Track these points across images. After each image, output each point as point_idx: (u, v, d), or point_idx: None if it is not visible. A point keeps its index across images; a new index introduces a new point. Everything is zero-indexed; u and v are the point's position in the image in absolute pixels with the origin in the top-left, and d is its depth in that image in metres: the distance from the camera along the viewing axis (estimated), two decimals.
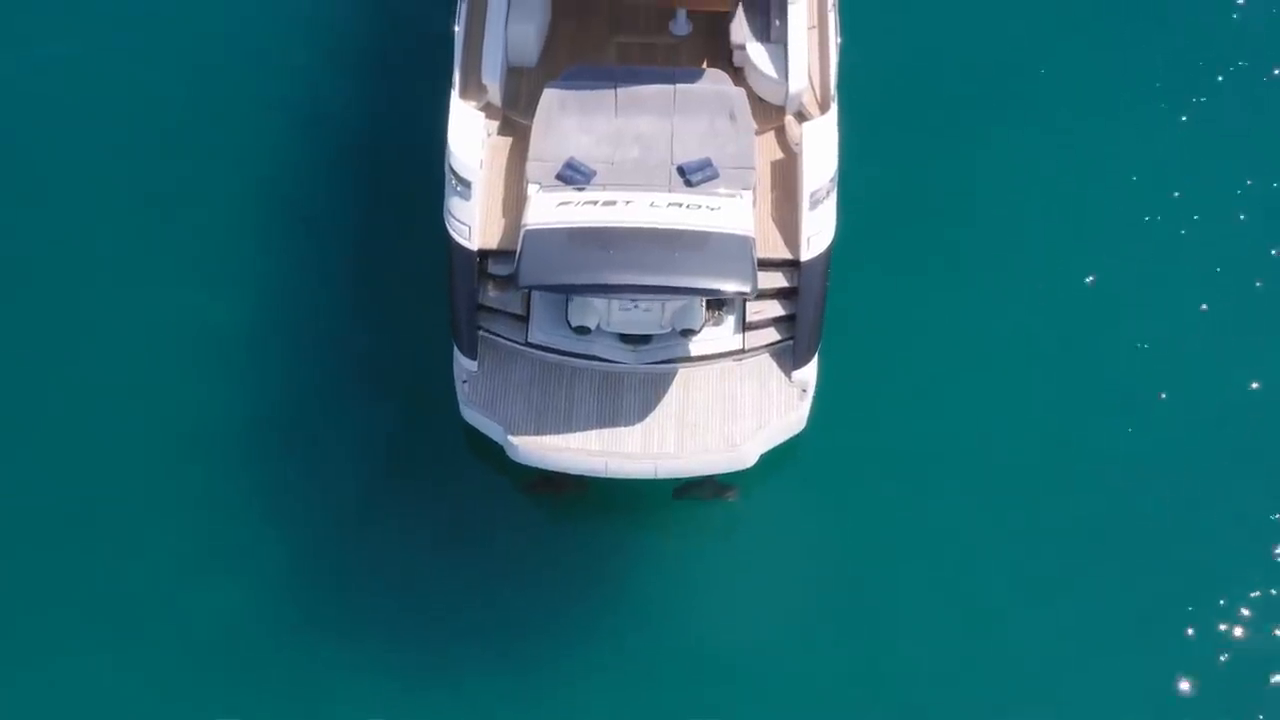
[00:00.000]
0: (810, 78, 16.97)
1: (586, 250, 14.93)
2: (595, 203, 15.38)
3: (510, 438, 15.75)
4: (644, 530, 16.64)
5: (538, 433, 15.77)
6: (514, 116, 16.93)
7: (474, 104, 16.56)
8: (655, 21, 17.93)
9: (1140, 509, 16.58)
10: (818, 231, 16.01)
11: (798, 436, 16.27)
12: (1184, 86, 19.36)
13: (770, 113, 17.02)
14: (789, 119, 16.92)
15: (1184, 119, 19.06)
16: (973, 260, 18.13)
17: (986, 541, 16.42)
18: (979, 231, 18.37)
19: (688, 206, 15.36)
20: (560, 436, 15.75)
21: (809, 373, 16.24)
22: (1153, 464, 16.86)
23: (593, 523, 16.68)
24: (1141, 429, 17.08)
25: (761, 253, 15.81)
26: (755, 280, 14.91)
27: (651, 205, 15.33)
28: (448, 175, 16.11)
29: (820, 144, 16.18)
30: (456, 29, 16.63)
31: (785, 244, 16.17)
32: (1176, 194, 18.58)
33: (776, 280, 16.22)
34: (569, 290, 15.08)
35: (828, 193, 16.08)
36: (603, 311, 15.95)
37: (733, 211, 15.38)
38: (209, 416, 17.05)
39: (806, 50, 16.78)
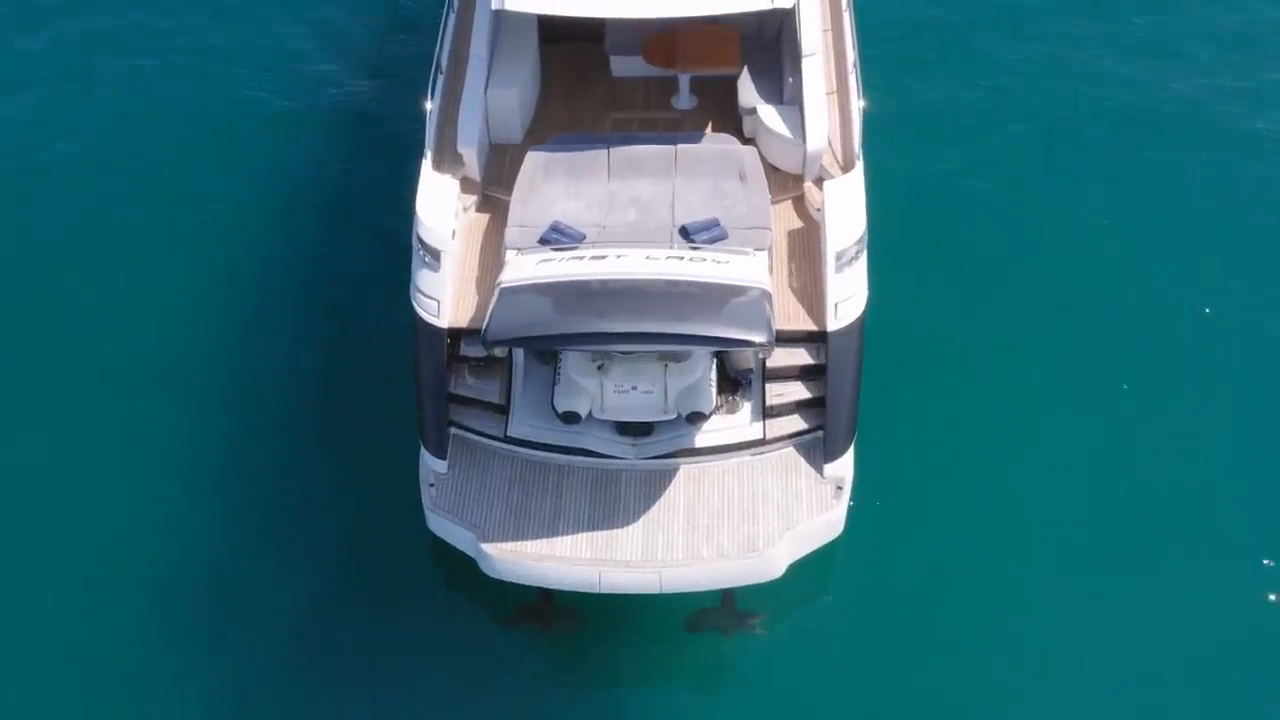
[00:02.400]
0: (830, 140, 14.90)
1: (571, 301, 12.54)
2: (582, 258, 13.09)
3: (483, 546, 12.97)
4: (650, 672, 13.57)
5: (516, 539, 13.00)
6: (496, 193, 14.84)
7: (448, 174, 14.52)
8: (656, 96, 16.02)
9: (1210, 626, 13.67)
10: (847, 297, 13.55)
11: (834, 543, 13.42)
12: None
13: (786, 182, 14.84)
14: (808, 185, 14.73)
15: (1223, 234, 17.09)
16: (1027, 336, 15.78)
17: (1070, 672, 13.37)
18: (1034, 302, 16.12)
19: (691, 260, 13.03)
20: (543, 542, 12.95)
21: (844, 467, 13.49)
22: (1211, 568, 14.00)
23: (587, 664, 13.63)
24: (1196, 529, 14.30)
25: (781, 324, 13.38)
26: (772, 332, 12.43)
27: (648, 258, 13.01)
28: (415, 246, 13.87)
29: (846, 201, 13.91)
30: (428, 106, 14.71)
31: (808, 313, 13.70)
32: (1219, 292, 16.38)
33: (800, 357, 13.67)
34: (547, 343, 12.57)
35: (857, 254, 13.70)
36: (595, 395, 13.38)
37: (744, 265, 13.02)
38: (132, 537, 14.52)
39: (825, 109, 14.76)
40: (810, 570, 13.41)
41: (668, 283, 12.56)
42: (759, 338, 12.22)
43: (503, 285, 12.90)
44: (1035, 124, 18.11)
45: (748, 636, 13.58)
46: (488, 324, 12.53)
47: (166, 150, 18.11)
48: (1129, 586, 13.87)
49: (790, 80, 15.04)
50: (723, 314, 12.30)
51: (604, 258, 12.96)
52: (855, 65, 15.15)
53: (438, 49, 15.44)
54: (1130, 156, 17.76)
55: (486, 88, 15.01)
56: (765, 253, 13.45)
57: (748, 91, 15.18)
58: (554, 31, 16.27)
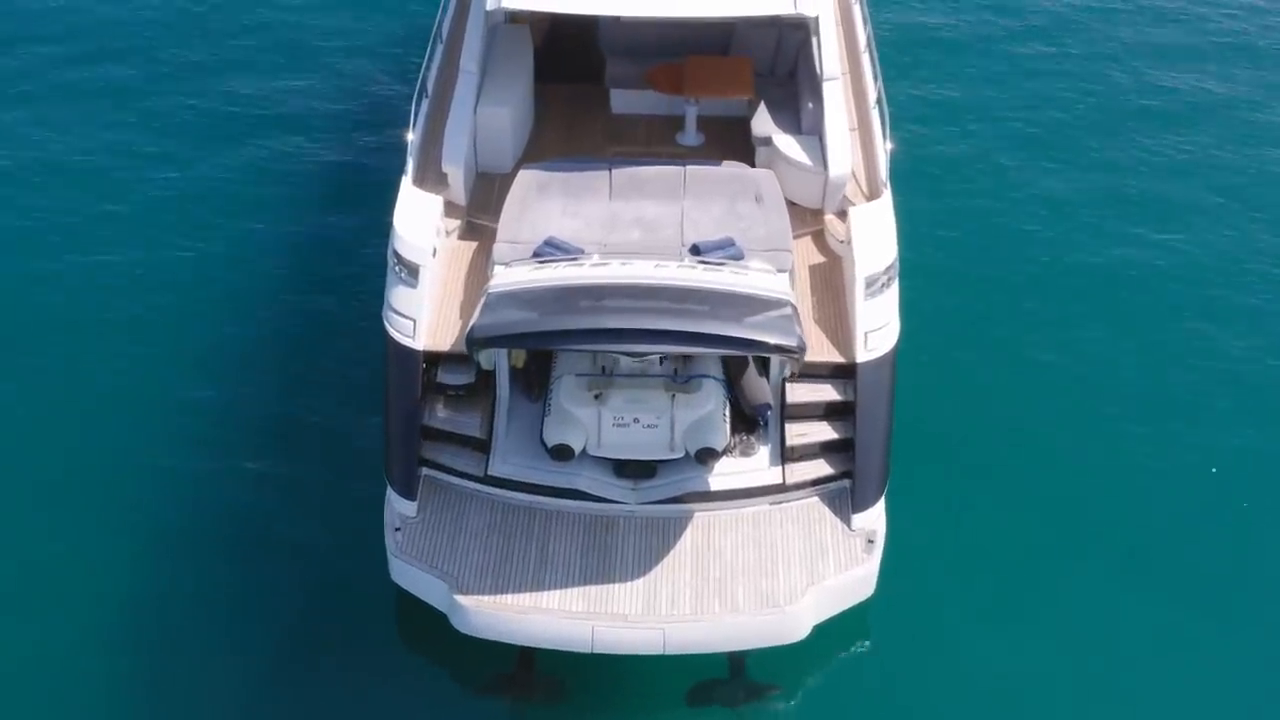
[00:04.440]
0: (853, 173, 13.58)
1: (570, 301, 10.94)
2: (581, 265, 11.55)
3: (456, 597, 11.09)
4: None
5: (495, 590, 11.13)
6: (483, 220, 13.38)
7: (430, 192, 13.04)
8: (660, 132, 14.74)
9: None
10: (878, 327, 12.03)
11: (862, 606, 11.64)
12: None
13: (805, 216, 13.48)
14: (829, 218, 13.36)
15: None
16: (1070, 379, 14.44)
17: None
18: (1079, 343, 14.83)
19: (706, 269, 11.52)
20: (527, 595, 11.10)
21: (875, 518, 11.81)
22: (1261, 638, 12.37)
23: None
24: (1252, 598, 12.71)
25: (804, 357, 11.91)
26: (803, 340, 10.84)
27: (657, 266, 11.49)
28: (390, 262, 12.36)
29: (874, 225, 12.51)
30: (410, 136, 13.31)
31: (834, 345, 12.16)
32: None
33: (825, 393, 12.09)
34: (542, 341, 10.87)
35: (888, 282, 12.24)
36: (590, 428, 11.72)
37: (765, 277, 11.52)
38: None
39: (847, 135, 13.47)
40: (832, 636, 11.60)
41: (682, 288, 11.02)
42: (788, 341, 10.63)
43: (491, 290, 11.34)
44: (1074, 157, 17.34)
45: (760, 713, 11.63)
46: (473, 323, 10.92)
47: (151, 167, 17.08)
48: (1185, 657, 12.17)
49: (810, 106, 13.79)
50: (745, 318, 10.74)
51: (606, 265, 11.46)
52: (880, 102, 13.93)
53: (422, 73, 14.15)
54: (1180, 191, 16.91)
55: (476, 106, 13.70)
56: (787, 275, 11.99)
57: (762, 120, 13.90)
58: (551, 68, 15.10)
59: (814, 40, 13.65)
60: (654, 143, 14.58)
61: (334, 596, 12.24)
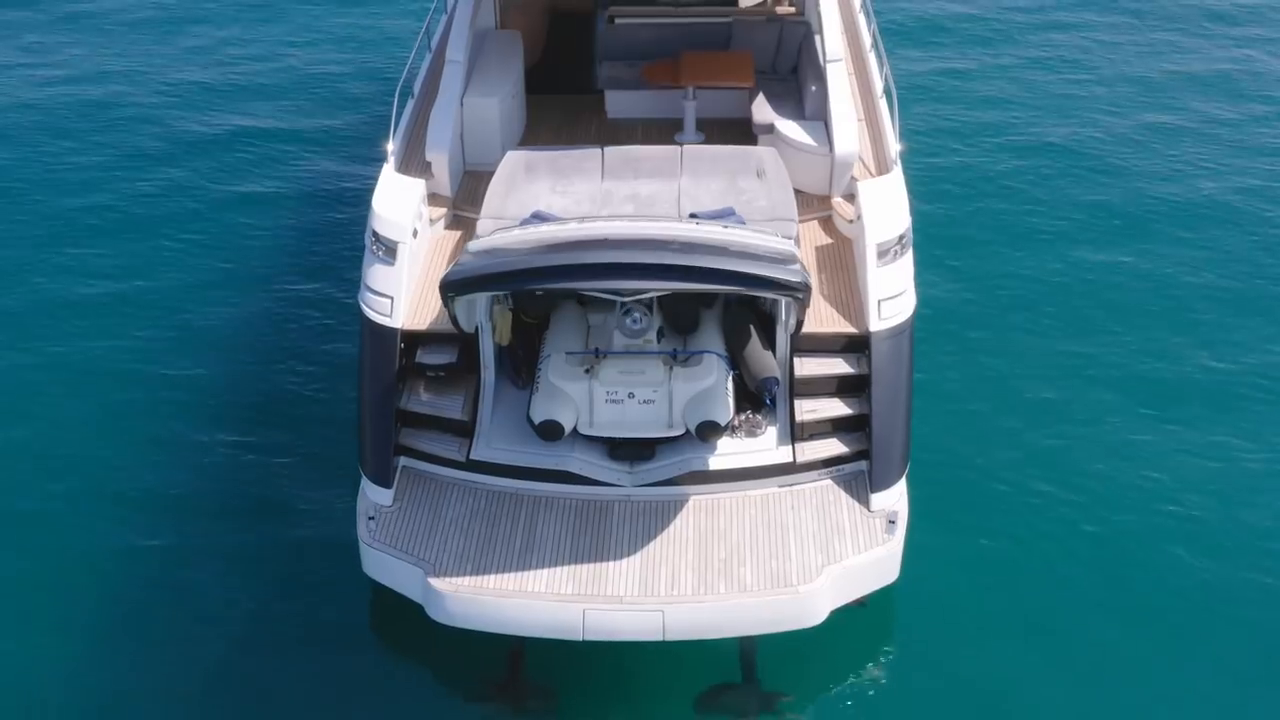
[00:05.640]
0: (861, 156, 12.81)
1: (559, 248, 10.05)
2: (567, 224, 10.69)
3: (432, 582, 9.98)
4: None
5: (475, 573, 10.03)
6: (469, 213, 12.62)
7: (413, 177, 12.27)
8: (658, 134, 14.00)
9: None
10: (893, 294, 11.09)
11: (892, 606, 10.45)
12: None
13: (812, 203, 12.69)
14: (837, 201, 12.55)
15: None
16: (1094, 351, 13.64)
17: None
18: (1103, 318, 14.16)
19: (704, 225, 10.65)
20: (510, 576, 9.98)
21: (896, 498, 10.71)
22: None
23: None
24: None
25: (813, 328, 10.98)
26: (808, 279, 9.90)
27: (652, 222, 10.61)
28: (367, 243, 11.56)
29: (885, 196, 11.68)
30: (390, 147, 12.56)
31: (845, 316, 11.22)
32: None
33: (837, 367, 11.10)
34: (521, 280, 9.88)
35: (901, 250, 11.35)
36: (582, 404, 10.73)
37: (768, 236, 10.61)
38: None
39: (853, 116, 12.72)
40: (855, 639, 10.42)
41: (680, 240, 10.11)
42: (791, 278, 9.70)
43: (469, 247, 10.48)
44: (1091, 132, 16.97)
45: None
46: (449, 270, 10.03)
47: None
48: (1215, 663, 10.81)
49: (813, 89, 13.10)
50: (757, 258, 9.82)
51: (595, 222, 10.60)
52: (888, 90, 13.20)
53: (405, 73, 13.50)
54: (1192, 162, 16.52)
55: (463, 98, 13.06)
56: (792, 242, 11.12)
57: (763, 108, 13.21)
58: (545, 81, 14.55)
59: (816, 23, 13.06)
60: (652, 141, 13.89)
61: (309, 599, 11.16)
